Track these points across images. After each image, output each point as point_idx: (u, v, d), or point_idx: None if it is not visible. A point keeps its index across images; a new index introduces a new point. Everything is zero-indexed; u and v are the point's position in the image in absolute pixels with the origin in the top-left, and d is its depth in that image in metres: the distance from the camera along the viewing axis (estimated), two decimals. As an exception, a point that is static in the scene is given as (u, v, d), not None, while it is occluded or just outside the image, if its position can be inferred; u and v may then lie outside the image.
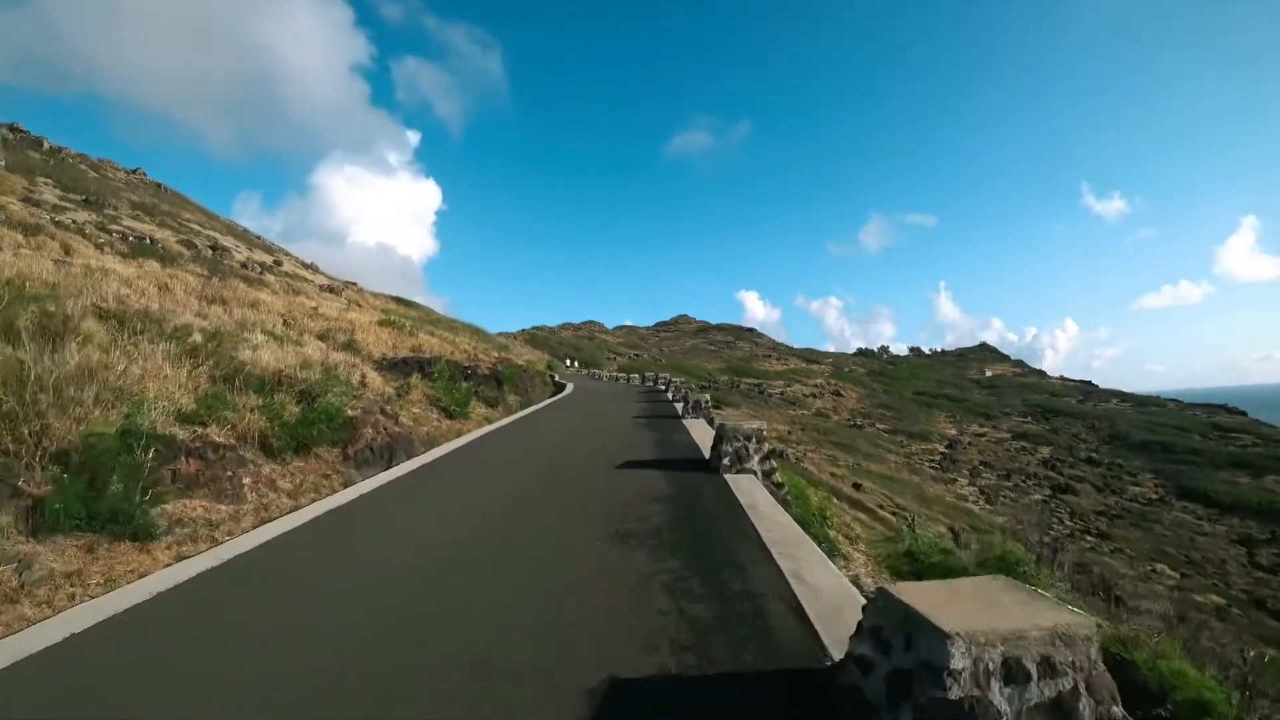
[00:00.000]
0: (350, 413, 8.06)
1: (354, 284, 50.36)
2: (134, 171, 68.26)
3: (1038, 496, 60.91)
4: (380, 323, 17.38)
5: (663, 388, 28.19)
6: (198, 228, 46.37)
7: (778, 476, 7.26)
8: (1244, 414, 78.48)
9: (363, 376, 11.29)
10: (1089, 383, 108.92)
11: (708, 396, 12.45)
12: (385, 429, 8.41)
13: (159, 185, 65.62)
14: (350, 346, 14.52)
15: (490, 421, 13.14)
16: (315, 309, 16.73)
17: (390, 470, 7.62)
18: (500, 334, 78.73)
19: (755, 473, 7.04)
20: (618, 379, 42.58)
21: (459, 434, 11.03)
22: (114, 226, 31.28)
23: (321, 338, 15.14)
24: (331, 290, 38.12)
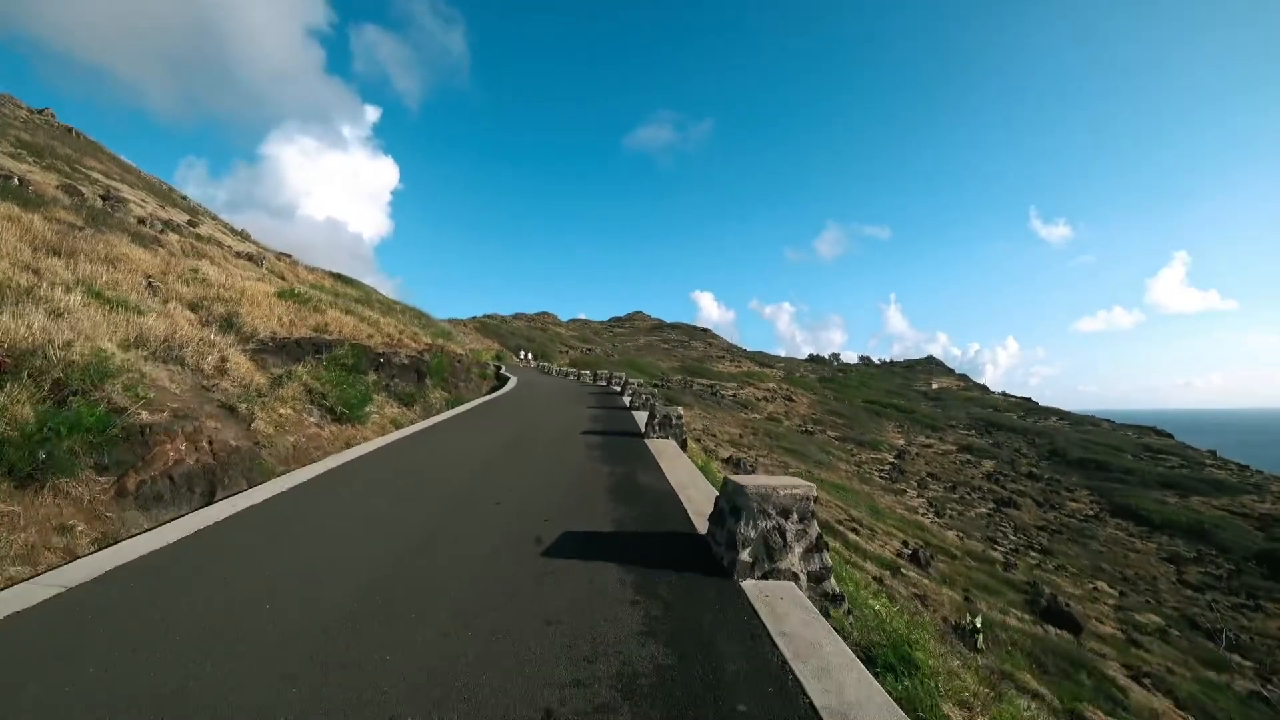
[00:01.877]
0: (145, 418, 5.28)
1: (288, 255, 45.73)
2: (40, 111, 60.88)
3: (983, 509, 61.74)
4: (279, 294, 14.26)
5: (618, 389, 25.33)
6: (100, 177, 40.85)
7: (832, 583, 3.96)
8: (1171, 436, 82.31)
9: (221, 360, 8.37)
10: (1029, 400, 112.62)
11: (680, 410, 9.79)
12: (210, 443, 5.65)
13: (70, 129, 58.63)
14: (229, 321, 11.48)
15: (397, 427, 10.29)
16: (195, 272, 13.49)
17: (199, 513, 4.90)
18: (448, 320, 74.53)
19: (798, 578, 3.93)
20: (568, 375, 39.76)
21: (347, 444, 8.25)
22: (-24, 164, 26.54)
23: (193, 308, 12.03)
24: (250, 258, 33.86)
